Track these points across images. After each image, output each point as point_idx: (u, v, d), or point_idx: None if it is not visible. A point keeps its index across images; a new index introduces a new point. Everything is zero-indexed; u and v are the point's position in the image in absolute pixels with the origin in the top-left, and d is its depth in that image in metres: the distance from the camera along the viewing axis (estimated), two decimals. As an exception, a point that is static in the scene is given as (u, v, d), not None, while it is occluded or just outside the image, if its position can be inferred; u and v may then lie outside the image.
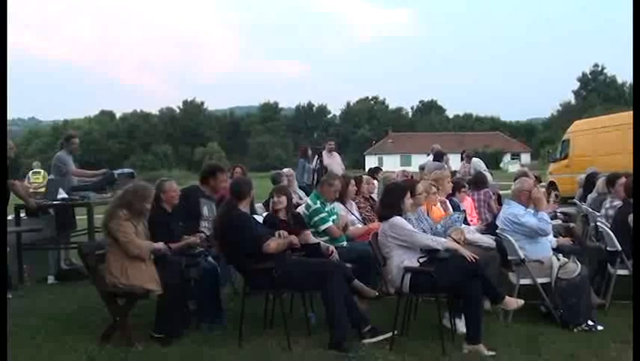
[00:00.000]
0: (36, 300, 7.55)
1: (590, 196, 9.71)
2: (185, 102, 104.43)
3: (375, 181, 10.99)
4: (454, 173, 12.39)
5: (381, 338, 5.56)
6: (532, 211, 6.45)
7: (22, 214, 8.99)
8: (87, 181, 9.60)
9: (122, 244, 5.55)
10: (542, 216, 6.39)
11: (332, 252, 6.46)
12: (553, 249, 6.57)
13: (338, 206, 7.60)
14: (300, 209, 7.47)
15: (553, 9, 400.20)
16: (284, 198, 6.59)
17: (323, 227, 7.09)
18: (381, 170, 12.85)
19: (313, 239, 6.63)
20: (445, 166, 13.95)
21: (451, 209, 7.63)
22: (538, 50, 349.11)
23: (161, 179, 6.58)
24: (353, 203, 8.09)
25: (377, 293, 6.42)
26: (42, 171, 18.40)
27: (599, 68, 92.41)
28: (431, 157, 15.64)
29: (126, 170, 10.62)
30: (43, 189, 11.50)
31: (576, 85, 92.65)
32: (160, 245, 5.77)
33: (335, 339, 5.37)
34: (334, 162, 14.63)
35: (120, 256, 5.56)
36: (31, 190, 10.72)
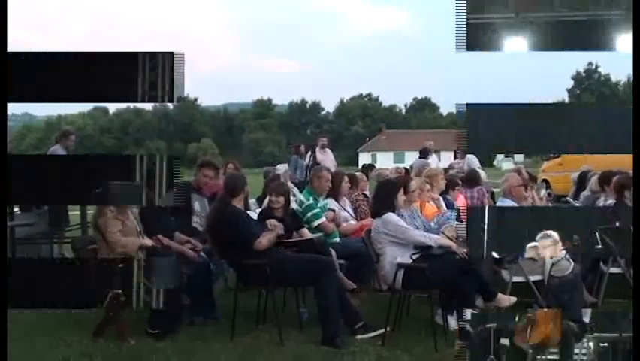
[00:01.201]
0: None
1: (583, 194, 9.71)
2: (178, 98, 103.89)
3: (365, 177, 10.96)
4: (446, 170, 12.38)
5: (373, 334, 5.57)
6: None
7: (16, 209, 8.95)
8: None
9: (108, 244, 5.56)
10: None
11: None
12: (546, 246, 6.58)
13: (331, 202, 7.61)
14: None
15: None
16: (282, 198, 6.58)
17: (316, 223, 7.10)
18: (374, 167, 12.85)
19: (309, 236, 6.65)
20: (430, 163, 13.87)
21: (444, 206, 7.65)
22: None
23: None
24: (346, 200, 8.09)
25: (355, 286, 6.47)
26: None
27: (593, 67, 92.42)
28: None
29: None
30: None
31: (570, 83, 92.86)
32: (148, 241, 5.76)
33: (328, 335, 5.37)
34: (327, 159, 14.67)
35: (112, 252, 5.55)
36: None
